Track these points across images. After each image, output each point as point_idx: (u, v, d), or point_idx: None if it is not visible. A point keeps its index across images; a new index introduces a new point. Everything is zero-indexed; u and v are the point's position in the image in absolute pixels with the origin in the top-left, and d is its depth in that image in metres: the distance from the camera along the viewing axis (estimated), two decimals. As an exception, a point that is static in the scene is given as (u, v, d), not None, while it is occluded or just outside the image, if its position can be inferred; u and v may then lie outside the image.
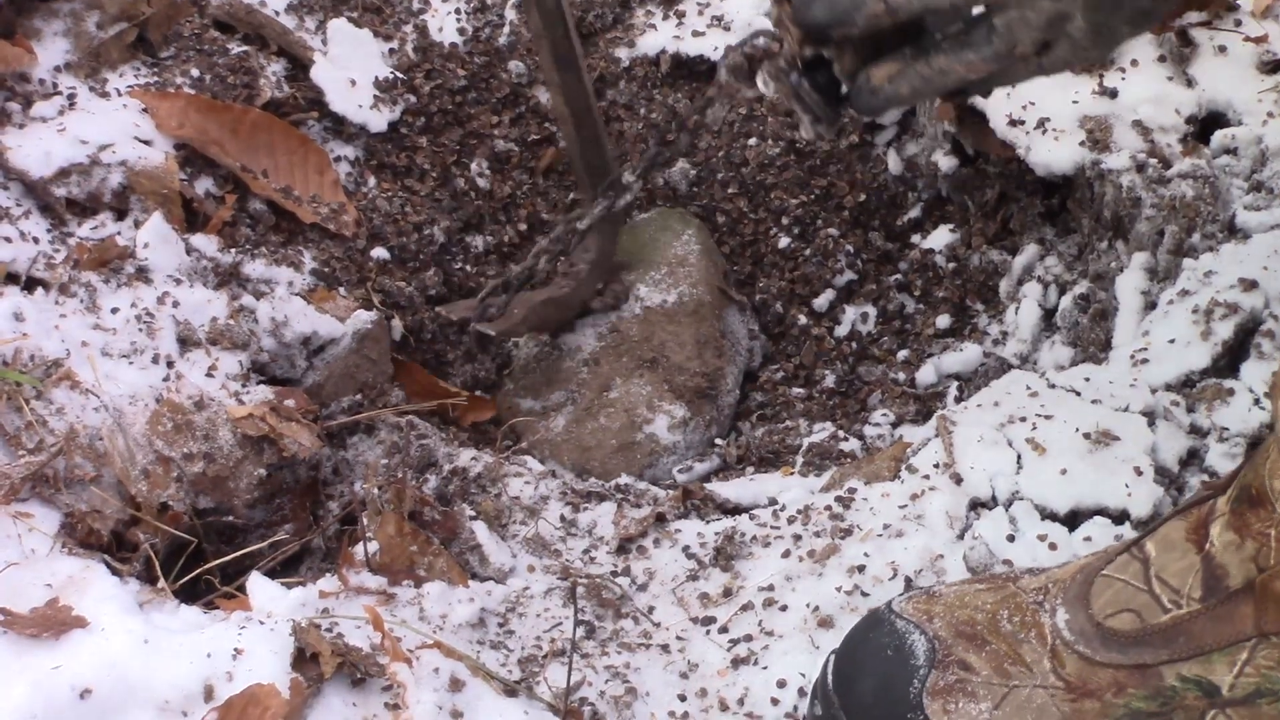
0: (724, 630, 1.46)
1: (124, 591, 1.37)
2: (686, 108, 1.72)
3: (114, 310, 1.67)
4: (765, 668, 1.41)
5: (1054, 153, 1.85)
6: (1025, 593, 1.28)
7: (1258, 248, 1.68)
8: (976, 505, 1.52)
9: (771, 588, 1.48)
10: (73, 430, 1.53)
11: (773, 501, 1.64)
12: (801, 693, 1.37)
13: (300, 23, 2.09)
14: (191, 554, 1.58)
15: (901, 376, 1.97)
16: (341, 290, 1.93)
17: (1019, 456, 1.54)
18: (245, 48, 2.02)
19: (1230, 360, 1.61)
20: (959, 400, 1.83)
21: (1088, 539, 1.46)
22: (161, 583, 1.46)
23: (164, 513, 1.57)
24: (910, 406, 1.90)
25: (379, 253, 2.02)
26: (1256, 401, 1.54)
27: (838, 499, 1.56)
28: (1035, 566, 1.34)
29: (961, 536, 1.49)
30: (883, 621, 1.28)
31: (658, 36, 2.20)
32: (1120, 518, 1.48)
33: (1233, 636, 1.18)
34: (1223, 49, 1.90)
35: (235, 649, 1.30)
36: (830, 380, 2.02)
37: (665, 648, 1.45)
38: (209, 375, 1.67)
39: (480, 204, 2.15)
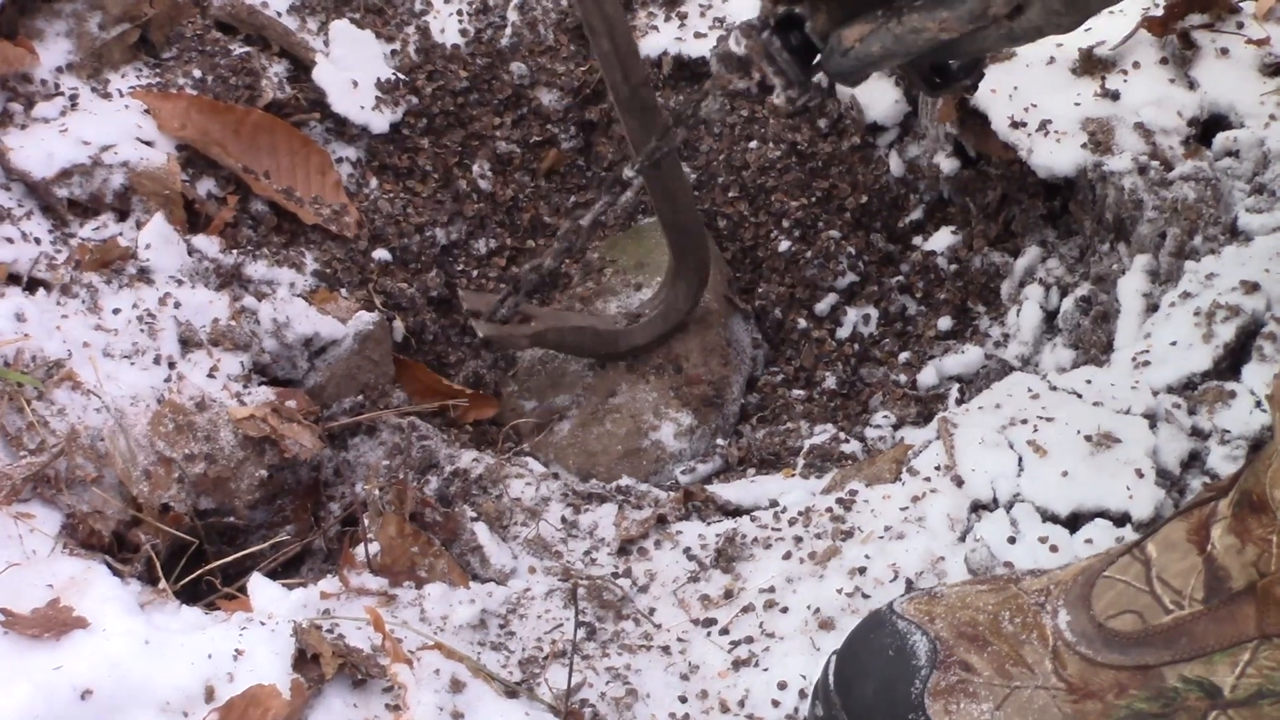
0: (725, 632, 1.46)
1: (125, 592, 1.37)
2: (681, 101, 1.72)
3: (115, 311, 1.67)
4: (766, 669, 1.40)
5: (1056, 155, 1.85)
6: (1027, 594, 1.27)
7: (1259, 250, 1.68)
8: (978, 507, 1.52)
9: (772, 589, 1.48)
10: (74, 431, 1.53)
11: (774, 503, 1.64)
12: (802, 694, 1.37)
13: (302, 24, 2.09)
14: (193, 555, 1.58)
15: (903, 378, 1.97)
16: (343, 291, 1.93)
17: (1020, 458, 1.54)
18: (247, 49, 2.02)
19: (1232, 363, 1.60)
20: (960, 402, 1.83)
21: (1089, 541, 1.46)
22: (162, 583, 1.46)
23: (165, 513, 1.57)
24: (911, 408, 1.90)
25: (381, 254, 2.02)
26: (1258, 404, 1.54)
27: (839, 501, 1.56)
28: (1037, 568, 1.34)
29: (963, 539, 1.49)
30: (884, 622, 1.28)
31: (660, 38, 2.19)
32: (1121, 520, 1.48)
33: (1235, 637, 1.18)
34: (1225, 51, 1.90)
35: (236, 650, 1.30)
36: (831, 382, 2.02)
37: (666, 649, 1.45)
38: (210, 376, 1.67)
39: (482, 205, 2.15)
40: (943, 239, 2.07)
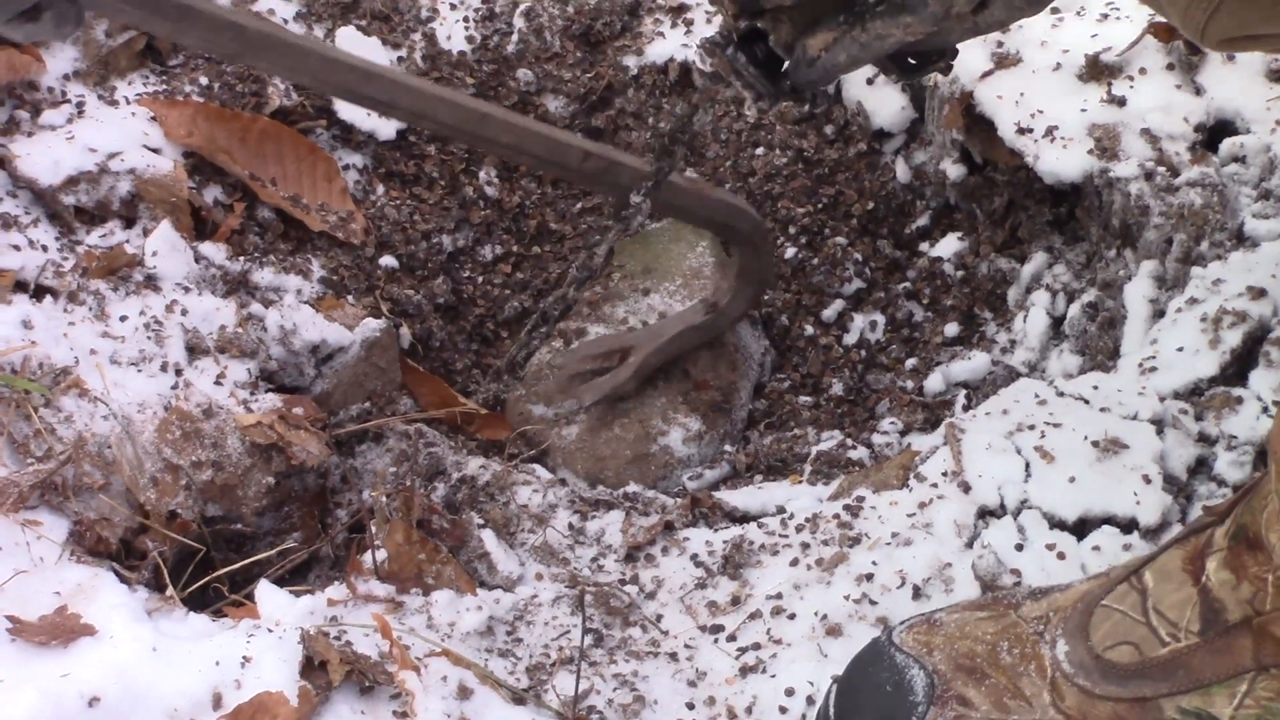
0: (732, 638, 1.46)
1: (132, 599, 1.37)
2: (674, 117, 1.72)
3: (122, 318, 1.67)
4: (773, 676, 1.40)
5: (1062, 161, 1.85)
6: (1026, 622, 1.27)
7: (1266, 256, 1.68)
8: (985, 514, 1.52)
9: (780, 596, 1.48)
10: (81, 438, 1.53)
11: (781, 510, 1.64)
12: (810, 701, 1.37)
13: (309, 31, 2.09)
14: (200, 562, 1.58)
15: (910, 385, 1.96)
16: (350, 298, 1.93)
17: (1027, 465, 1.53)
18: (254, 56, 2.02)
19: (1239, 368, 1.60)
20: (967, 408, 1.83)
21: (1096, 548, 1.46)
22: (170, 590, 1.46)
23: (172, 520, 1.57)
24: (919, 415, 1.90)
25: (387, 261, 2.02)
26: (1265, 410, 1.54)
27: (846, 507, 1.56)
28: (1038, 588, 1.34)
29: (970, 545, 1.49)
30: (882, 655, 1.27)
31: (666, 45, 2.20)
32: (1129, 526, 1.47)
33: (1232, 669, 1.18)
34: (1231, 57, 1.89)
35: (244, 657, 1.30)
36: (838, 389, 2.02)
37: (673, 656, 1.45)
38: (217, 383, 1.67)
39: (489, 212, 2.16)
40: (949, 245, 2.07)
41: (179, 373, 1.65)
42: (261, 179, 1.93)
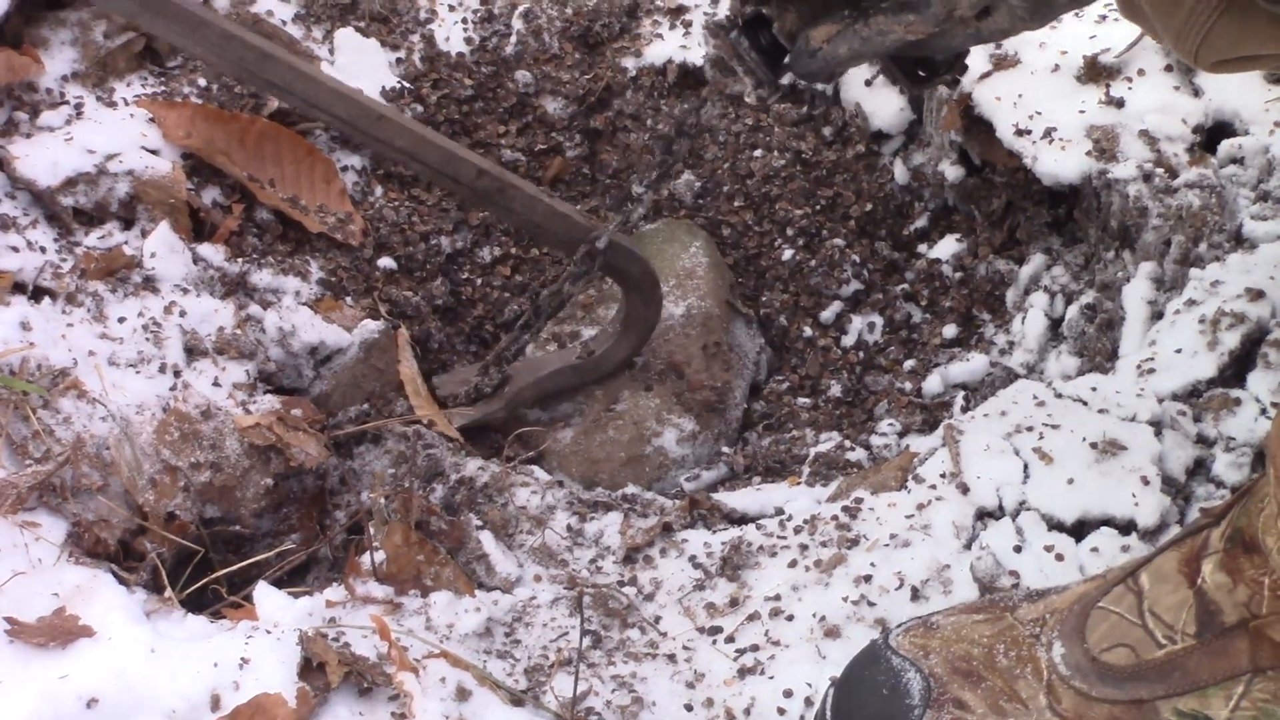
0: (730, 640, 1.46)
1: (131, 601, 1.37)
2: (682, 111, 1.72)
3: (121, 320, 1.67)
4: (772, 677, 1.40)
5: (1060, 162, 1.85)
6: (1022, 624, 1.27)
7: (1264, 257, 1.68)
8: (983, 515, 1.52)
9: (778, 597, 1.48)
10: (79, 439, 1.53)
11: (779, 511, 1.64)
12: (808, 702, 1.37)
13: (307, 32, 2.09)
14: (198, 563, 1.58)
15: (908, 386, 1.97)
16: (348, 300, 1.93)
17: (1026, 466, 1.54)
18: (252, 57, 2.02)
19: (1237, 370, 1.60)
20: (965, 410, 1.83)
21: (1094, 549, 1.46)
22: (168, 592, 1.46)
23: (171, 522, 1.57)
24: (917, 416, 1.90)
25: (386, 262, 2.02)
26: (1263, 411, 1.54)
27: (844, 509, 1.56)
28: (1035, 590, 1.34)
29: (968, 546, 1.49)
30: (879, 658, 1.28)
31: (664, 46, 2.20)
32: (1127, 528, 1.48)
33: (1228, 671, 1.18)
34: (1229, 59, 1.90)
35: (242, 658, 1.30)
36: (837, 390, 2.02)
37: (672, 657, 1.45)
38: (216, 385, 1.67)
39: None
40: (948, 247, 2.07)
41: (177, 374, 1.65)
42: (260, 180, 1.93)
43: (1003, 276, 2.01)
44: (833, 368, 2.05)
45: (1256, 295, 1.63)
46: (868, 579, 1.47)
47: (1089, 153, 1.84)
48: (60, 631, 1.29)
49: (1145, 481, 1.50)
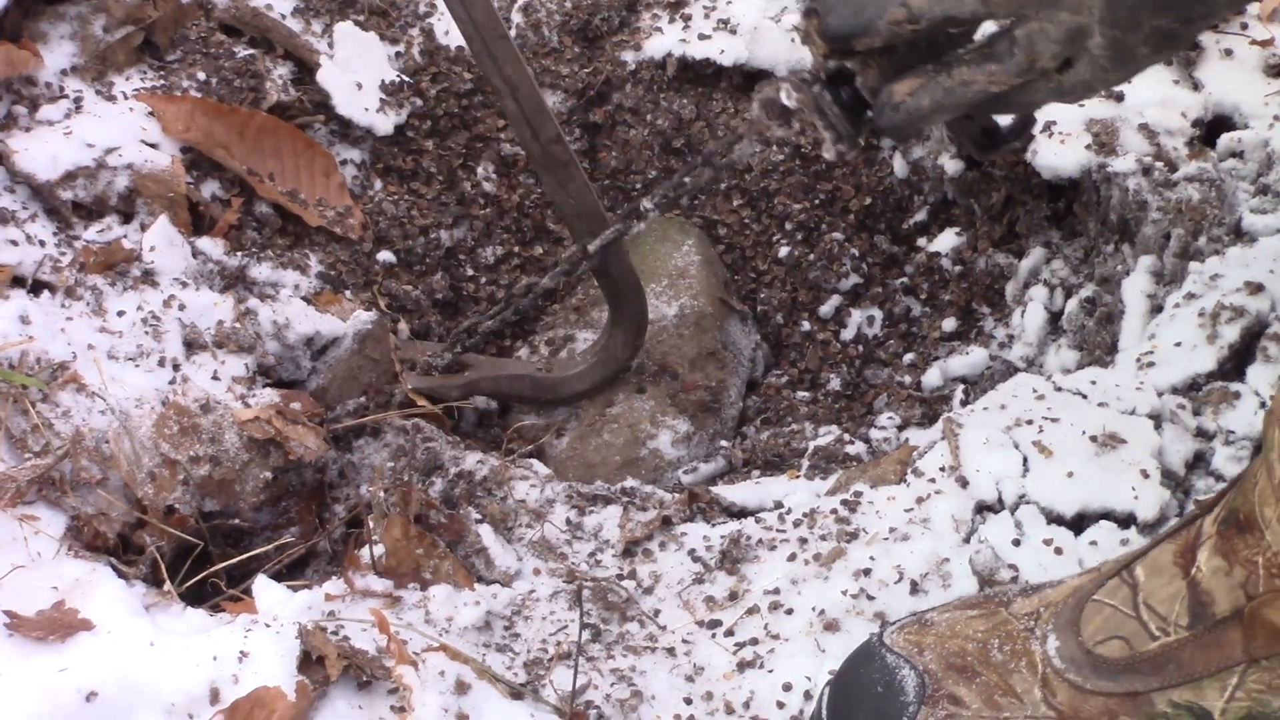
0: (730, 633, 1.46)
1: (130, 594, 1.37)
2: (716, 143, 1.73)
3: (120, 313, 1.67)
4: (771, 671, 1.40)
5: (1060, 156, 1.85)
6: (1017, 619, 1.27)
7: (1264, 251, 1.68)
8: (982, 508, 1.52)
9: (777, 591, 1.48)
10: (79, 433, 1.53)
11: (778, 505, 1.64)
12: (807, 696, 1.37)
13: (306, 26, 2.09)
14: (197, 557, 1.58)
15: (907, 380, 1.97)
16: (348, 293, 1.93)
17: (1025, 459, 1.53)
18: (251, 51, 2.02)
19: (1236, 364, 1.60)
20: (965, 403, 1.83)
21: (1094, 543, 1.46)
22: (167, 585, 1.46)
23: (170, 515, 1.57)
24: (916, 409, 1.90)
25: (385, 256, 2.02)
26: (1263, 404, 1.54)
27: (843, 502, 1.56)
28: (1030, 585, 1.34)
29: (967, 540, 1.49)
30: (874, 655, 1.28)
31: (664, 40, 2.19)
32: (1127, 521, 1.48)
33: (1222, 662, 1.18)
34: (1229, 52, 1.90)
35: (241, 652, 1.30)
36: (836, 383, 2.02)
37: (671, 651, 1.45)
38: (215, 378, 1.67)
39: (489, 211, 2.16)
40: (947, 240, 2.07)
41: (176, 368, 1.65)
42: (259, 174, 1.93)
43: (1002, 270, 2.01)
44: (831, 361, 2.05)
45: (1256, 289, 1.63)
46: (867, 572, 1.47)
47: (1088, 146, 1.84)
48: (59, 625, 1.29)
49: (1145, 475, 1.50)
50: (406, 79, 2.11)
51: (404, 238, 2.06)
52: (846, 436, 1.85)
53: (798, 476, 1.76)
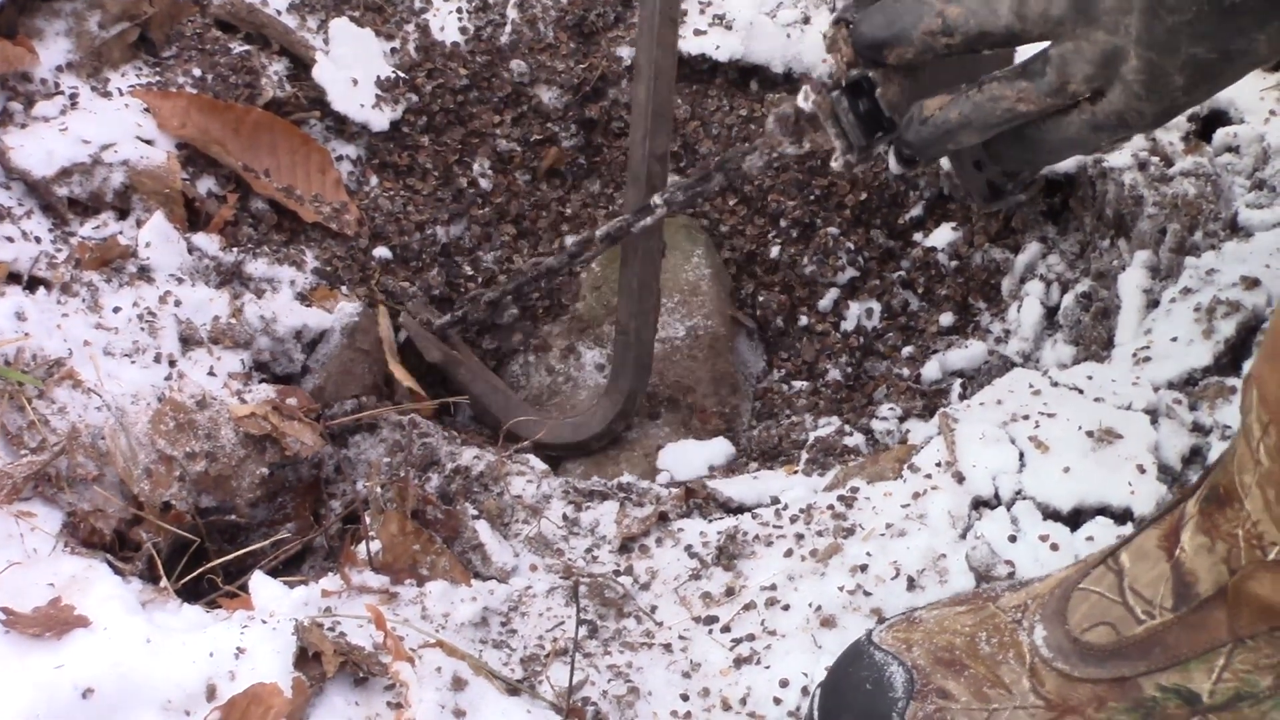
0: (726, 630, 1.46)
1: (126, 591, 1.37)
2: (727, 153, 1.73)
3: (116, 309, 1.67)
4: (768, 667, 1.40)
5: (1056, 151, 1.85)
6: (1004, 612, 1.27)
7: (1260, 246, 1.68)
8: (979, 504, 1.52)
9: (774, 587, 1.48)
10: (75, 429, 1.53)
11: (775, 500, 1.64)
12: (804, 692, 1.37)
13: (302, 22, 2.09)
14: (194, 553, 1.58)
15: (906, 372, 1.97)
16: (343, 289, 1.93)
17: (1021, 454, 1.53)
18: (247, 47, 2.02)
19: (1233, 358, 1.60)
20: (963, 397, 1.83)
21: (1090, 538, 1.46)
22: (164, 582, 1.46)
23: (166, 512, 1.57)
24: (917, 402, 1.90)
25: (381, 252, 2.02)
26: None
27: (840, 498, 1.56)
28: (1019, 580, 1.34)
29: (964, 536, 1.49)
30: (862, 654, 1.28)
31: (659, 35, 2.19)
32: (1123, 516, 1.48)
33: (1208, 644, 1.18)
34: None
35: (238, 648, 1.30)
36: (836, 374, 2.02)
37: (668, 647, 1.45)
38: (211, 374, 1.67)
39: (487, 211, 2.16)
40: (943, 235, 2.07)
41: (172, 364, 1.65)
42: (255, 170, 1.93)
43: (998, 265, 2.01)
44: (831, 353, 2.05)
45: (1252, 284, 1.63)
46: (864, 568, 1.47)
47: (1085, 141, 1.84)
48: (56, 622, 1.29)
49: (1141, 470, 1.50)
50: (402, 75, 2.11)
51: (400, 233, 2.06)
52: (847, 428, 1.85)
53: (795, 472, 1.76)
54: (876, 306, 2.06)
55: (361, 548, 1.51)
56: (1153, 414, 1.56)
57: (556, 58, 2.20)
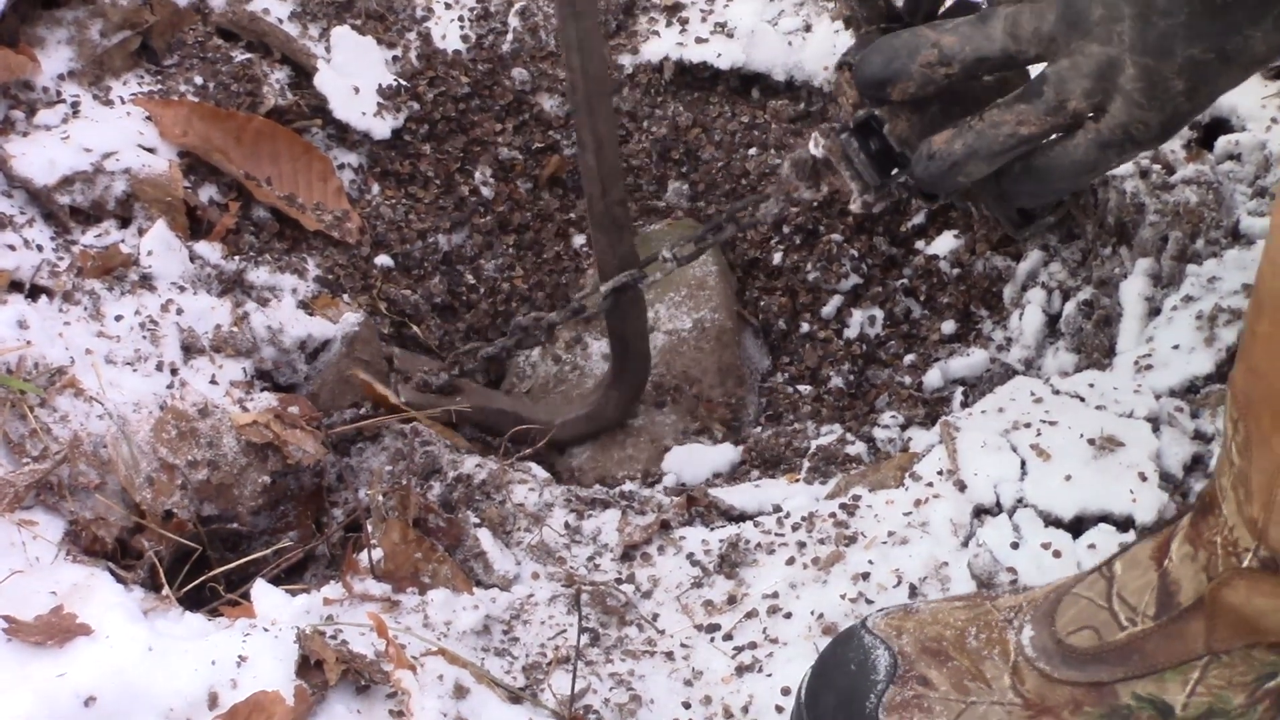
0: (728, 637, 1.46)
1: (128, 599, 1.37)
2: (740, 202, 1.74)
3: (118, 318, 1.67)
4: (770, 675, 1.40)
5: (1057, 159, 1.85)
6: (998, 610, 1.28)
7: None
8: (981, 512, 1.52)
9: (776, 595, 1.48)
10: (77, 438, 1.53)
11: (777, 508, 1.64)
12: (806, 699, 1.37)
13: (303, 30, 2.09)
14: (196, 561, 1.58)
15: (908, 380, 1.97)
16: (345, 297, 1.93)
17: (1023, 462, 1.53)
18: (248, 55, 2.02)
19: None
20: (965, 405, 1.83)
21: (1092, 546, 1.46)
22: (166, 590, 1.46)
23: (168, 520, 1.57)
24: (919, 409, 1.90)
25: (383, 260, 2.02)
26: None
27: (842, 506, 1.56)
28: (1021, 586, 1.35)
29: (966, 544, 1.49)
30: (854, 636, 1.28)
31: (661, 43, 2.19)
32: (1125, 524, 1.48)
33: (1184, 655, 1.18)
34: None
35: (240, 656, 1.30)
36: (838, 381, 2.02)
37: (670, 655, 1.45)
38: (213, 382, 1.67)
39: (488, 220, 2.16)
40: (945, 243, 2.07)
41: (174, 372, 1.65)
42: (257, 178, 1.93)
43: (1000, 273, 2.01)
44: (834, 359, 2.05)
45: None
46: (866, 577, 1.47)
47: (1086, 149, 1.84)
48: (58, 630, 1.29)
49: (1143, 478, 1.50)
50: (404, 83, 2.11)
51: (401, 241, 2.06)
52: (849, 436, 1.84)
53: (797, 480, 1.76)
54: (879, 314, 2.06)
55: (363, 556, 1.51)
56: (1154, 422, 1.56)
57: (558, 66, 2.21)
